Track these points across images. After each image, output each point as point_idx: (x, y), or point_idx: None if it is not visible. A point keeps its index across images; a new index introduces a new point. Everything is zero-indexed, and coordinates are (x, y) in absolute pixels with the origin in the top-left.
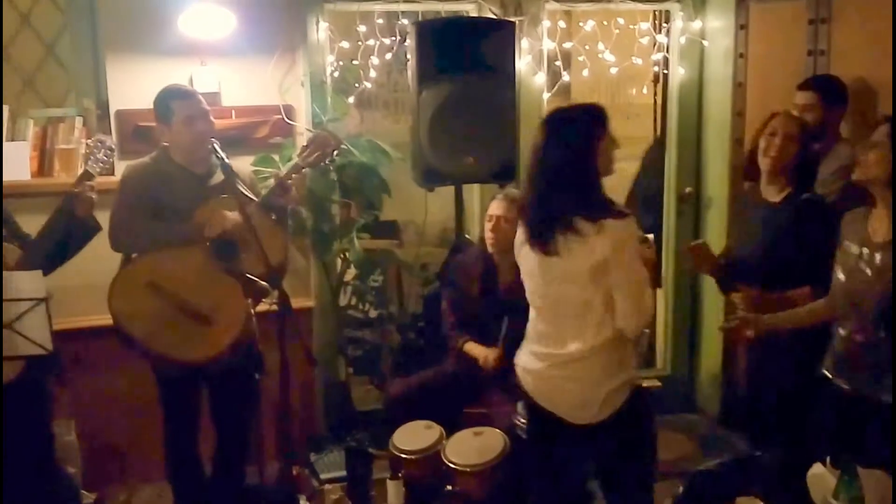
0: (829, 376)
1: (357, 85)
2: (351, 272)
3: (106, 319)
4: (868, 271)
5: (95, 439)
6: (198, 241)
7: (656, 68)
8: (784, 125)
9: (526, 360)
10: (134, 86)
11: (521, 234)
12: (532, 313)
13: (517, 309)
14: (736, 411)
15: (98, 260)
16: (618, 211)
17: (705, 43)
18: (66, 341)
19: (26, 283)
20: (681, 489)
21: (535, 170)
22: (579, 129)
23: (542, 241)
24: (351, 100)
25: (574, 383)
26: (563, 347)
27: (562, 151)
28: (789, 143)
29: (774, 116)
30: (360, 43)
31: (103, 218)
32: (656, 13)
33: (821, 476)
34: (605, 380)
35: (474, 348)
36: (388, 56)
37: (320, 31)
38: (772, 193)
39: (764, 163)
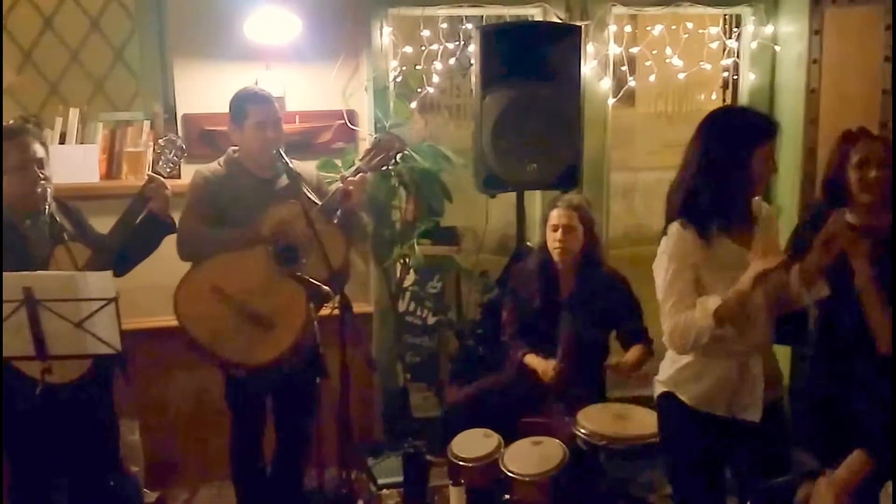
0: None
1: (420, 90)
2: (410, 278)
3: (168, 320)
4: None
5: (158, 439)
6: (260, 245)
7: (726, 74)
8: (875, 152)
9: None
10: (201, 90)
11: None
12: None
13: (576, 319)
14: (804, 426)
15: (162, 261)
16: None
17: (777, 48)
18: (130, 341)
19: (96, 283)
20: None
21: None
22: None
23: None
24: (413, 105)
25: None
26: None
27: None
28: (886, 170)
29: (855, 141)
30: (423, 48)
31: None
32: (727, 17)
33: None
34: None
35: (533, 360)
36: (452, 61)
37: (384, 35)
38: (871, 219)
39: (864, 197)
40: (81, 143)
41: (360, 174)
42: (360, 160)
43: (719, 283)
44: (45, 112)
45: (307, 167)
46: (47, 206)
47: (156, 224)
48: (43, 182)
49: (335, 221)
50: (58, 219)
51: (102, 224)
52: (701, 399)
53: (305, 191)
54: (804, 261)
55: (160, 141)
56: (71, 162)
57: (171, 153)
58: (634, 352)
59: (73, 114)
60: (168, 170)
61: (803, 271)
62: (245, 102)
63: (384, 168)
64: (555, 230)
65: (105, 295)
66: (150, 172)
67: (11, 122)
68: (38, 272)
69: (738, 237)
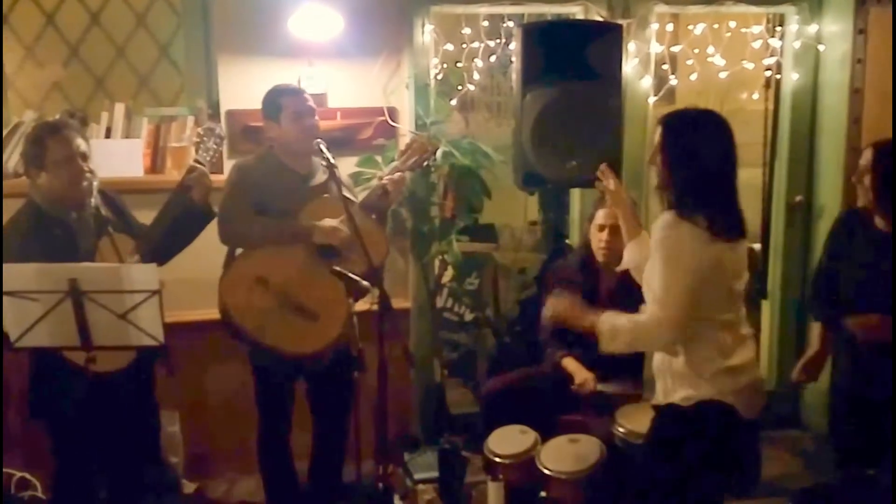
0: None
1: (460, 87)
2: (448, 274)
3: (208, 314)
4: None
5: (198, 430)
6: (303, 242)
7: (768, 73)
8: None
9: None
10: (244, 86)
11: None
12: None
13: None
14: (845, 428)
15: (204, 254)
16: None
17: (821, 47)
18: (171, 333)
19: (140, 275)
20: None
21: None
22: None
23: None
24: (454, 102)
25: None
26: None
27: None
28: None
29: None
30: (464, 45)
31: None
32: (770, 16)
33: None
34: None
35: (571, 365)
36: (493, 59)
37: (426, 33)
38: (882, 223)
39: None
40: (126, 138)
41: (399, 174)
42: (397, 160)
43: None
44: (91, 107)
45: (340, 169)
46: (92, 199)
47: (196, 213)
48: (88, 175)
49: (374, 217)
50: (102, 211)
51: (145, 218)
52: None
53: (343, 188)
54: None
55: (199, 130)
56: (115, 156)
57: (210, 140)
58: None
59: (119, 109)
60: (208, 157)
61: None
62: (278, 96)
63: (419, 169)
64: (601, 230)
65: (149, 287)
66: (192, 162)
67: (58, 116)
68: (84, 264)
69: None
